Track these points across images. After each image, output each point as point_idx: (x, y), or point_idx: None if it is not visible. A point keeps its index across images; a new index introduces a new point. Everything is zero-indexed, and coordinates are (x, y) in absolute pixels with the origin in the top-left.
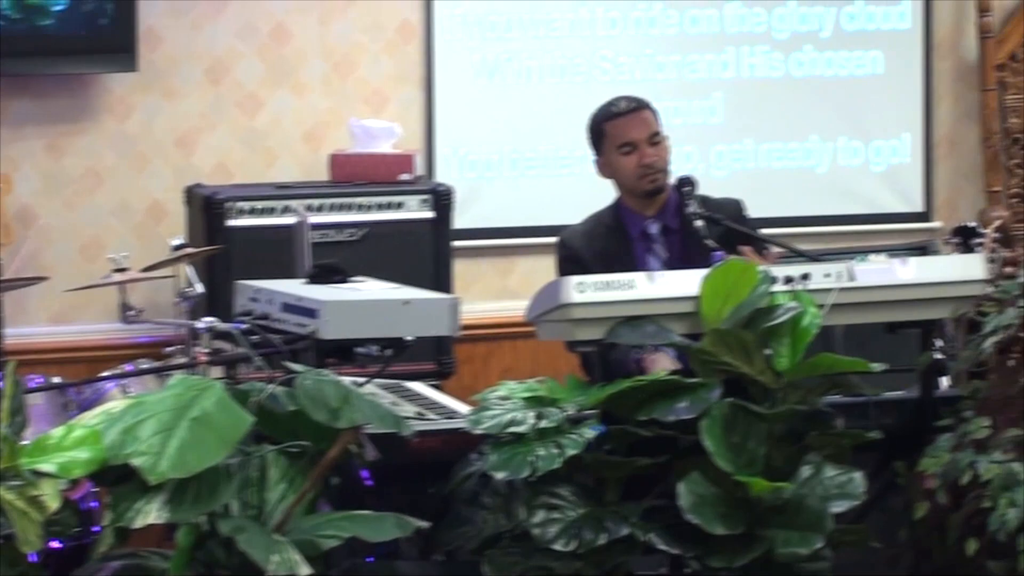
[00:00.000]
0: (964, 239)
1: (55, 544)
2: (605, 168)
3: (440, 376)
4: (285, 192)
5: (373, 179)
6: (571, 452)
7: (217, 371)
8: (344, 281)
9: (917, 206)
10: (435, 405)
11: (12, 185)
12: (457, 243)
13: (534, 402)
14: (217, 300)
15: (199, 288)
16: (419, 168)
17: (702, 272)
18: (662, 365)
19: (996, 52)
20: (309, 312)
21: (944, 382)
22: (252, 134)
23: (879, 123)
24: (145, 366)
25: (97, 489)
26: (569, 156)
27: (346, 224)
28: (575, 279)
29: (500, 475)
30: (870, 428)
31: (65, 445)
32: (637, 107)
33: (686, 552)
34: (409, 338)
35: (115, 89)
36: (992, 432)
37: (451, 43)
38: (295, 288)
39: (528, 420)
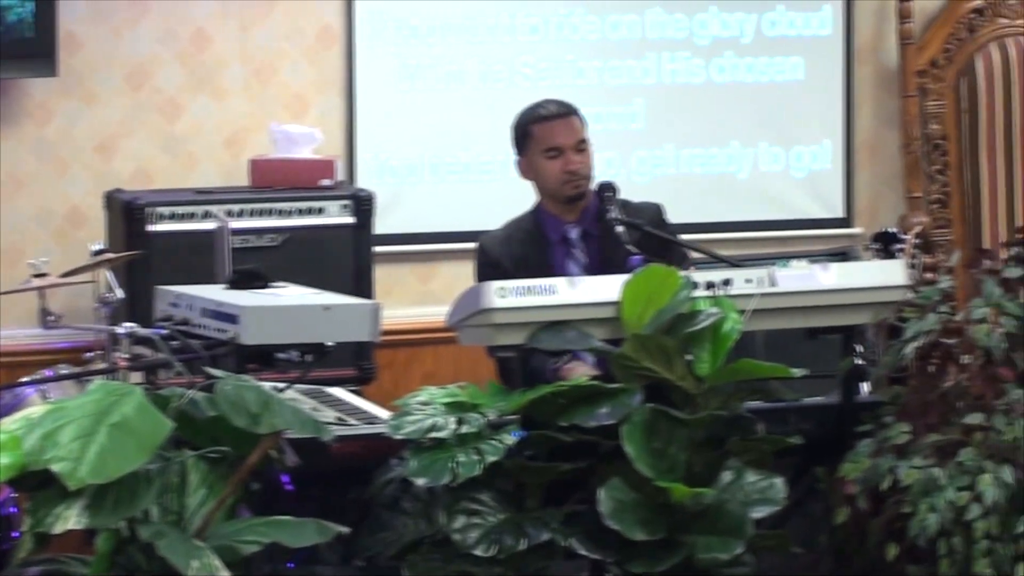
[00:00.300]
0: (885, 245)
1: None
2: (527, 170)
3: (361, 382)
4: (205, 197)
5: (294, 184)
6: (492, 458)
7: (137, 377)
8: (265, 286)
9: (838, 212)
10: (356, 411)
11: None
12: (378, 248)
13: (455, 408)
14: (137, 305)
15: (119, 293)
16: (340, 173)
17: (623, 277)
18: (580, 372)
19: (917, 58)
20: (229, 317)
21: (865, 388)
22: (172, 139)
23: (800, 129)
24: (65, 371)
25: (16, 495)
26: (491, 161)
27: (266, 229)
28: (496, 284)
29: (421, 481)
30: (791, 433)
31: None
32: (566, 112)
33: (607, 557)
34: (330, 343)
35: (35, 94)
36: (912, 438)
37: (372, 48)
38: (215, 293)
39: (449, 426)
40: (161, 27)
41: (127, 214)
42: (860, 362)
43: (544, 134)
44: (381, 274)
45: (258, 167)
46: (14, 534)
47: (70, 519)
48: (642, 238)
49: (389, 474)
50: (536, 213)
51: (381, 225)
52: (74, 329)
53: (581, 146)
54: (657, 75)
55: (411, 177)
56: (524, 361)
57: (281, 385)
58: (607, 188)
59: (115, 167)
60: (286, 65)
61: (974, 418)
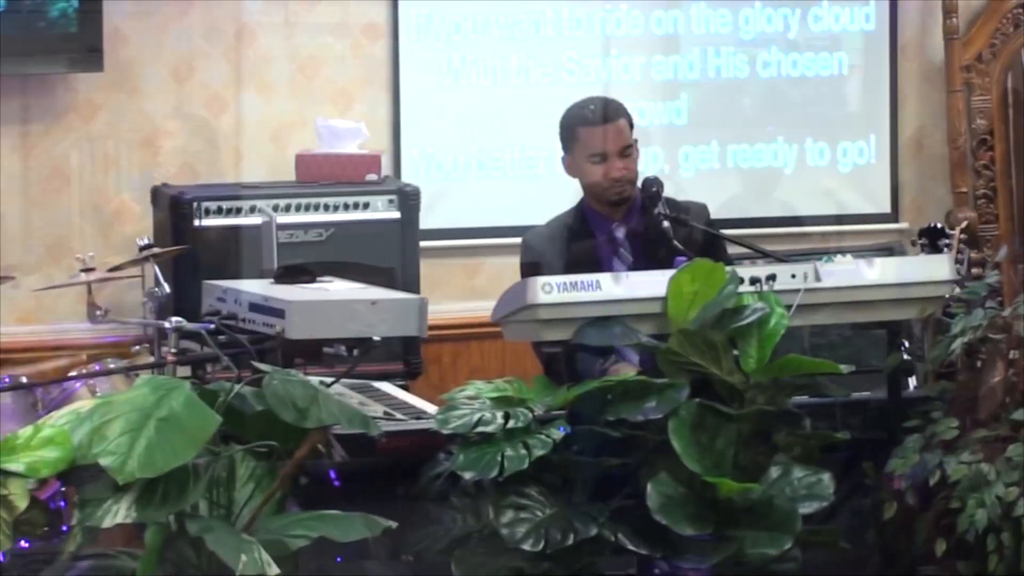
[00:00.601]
0: (931, 240)
1: (24, 544)
2: (572, 168)
3: (408, 376)
4: (251, 192)
5: (339, 179)
6: (539, 452)
7: (184, 371)
8: (311, 281)
9: (884, 207)
10: (403, 405)
11: None
12: (424, 243)
13: (502, 402)
14: (184, 300)
15: (166, 288)
16: (385, 168)
17: (668, 273)
18: (626, 372)
19: (962, 54)
20: (276, 312)
21: (911, 383)
22: (218, 134)
23: (846, 124)
24: (113, 366)
25: (65, 489)
26: (535, 157)
27: (312, 224)
28: (542, 280)
29: (468, 475)
30: (838, 429)
31: (33, 445)
32: (613, 116)
33: (654, 552)
34: (376, 338)
35: (80, 89)
36: (960, 433)
37: (417, 43)
38: (262, 288)
39: (496, 420)
40: (206, 22)
41: (173, 209)
42: (907, 358)
43: (590, 138)
44: (427, 269)
45: (304, 162)
46: (63, 528)
47: (119, 513)
48: (688, 236)
49: (437, 469)
50: (581, 210)
51: (427, 220)
52: (121, 323)
53: (626, 152)
54: (702, 70)
55: (456, 172)
56: (569, 357)
57: (328, 380)
58: (652, 184)
59: (161, 162)
60: (331, 60)
61: (1022, 414)
